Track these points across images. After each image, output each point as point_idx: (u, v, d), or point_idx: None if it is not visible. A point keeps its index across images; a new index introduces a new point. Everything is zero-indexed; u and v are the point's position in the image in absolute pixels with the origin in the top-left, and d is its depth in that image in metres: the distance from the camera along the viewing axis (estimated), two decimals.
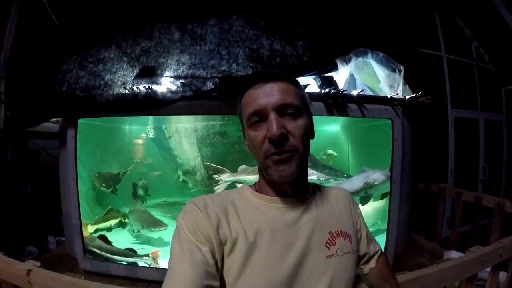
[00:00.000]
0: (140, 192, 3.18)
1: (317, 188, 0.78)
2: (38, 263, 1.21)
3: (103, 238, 2.36)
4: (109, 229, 2.82)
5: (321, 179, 2.48)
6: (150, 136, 3.48)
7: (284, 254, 0.61)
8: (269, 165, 0.63)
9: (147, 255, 2.27)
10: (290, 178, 0.62)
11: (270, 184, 0.69)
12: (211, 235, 0.58)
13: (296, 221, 0.65)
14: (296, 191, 0.69)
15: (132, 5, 2.32)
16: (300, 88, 0.71)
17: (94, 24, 2.42)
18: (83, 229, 2.47)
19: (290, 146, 0.62)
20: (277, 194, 0.68)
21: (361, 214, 0.83)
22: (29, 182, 3.19)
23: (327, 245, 0.66)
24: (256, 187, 0.73)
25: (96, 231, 2.71)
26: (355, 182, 2.40)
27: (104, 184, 2.77)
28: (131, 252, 2.31)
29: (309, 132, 0.68)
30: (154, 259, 2.23)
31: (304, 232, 0.64)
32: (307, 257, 0.63)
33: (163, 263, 2.19)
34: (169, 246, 0.60)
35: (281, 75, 0.68)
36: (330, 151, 3.08)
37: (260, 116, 0.64)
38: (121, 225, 2.92)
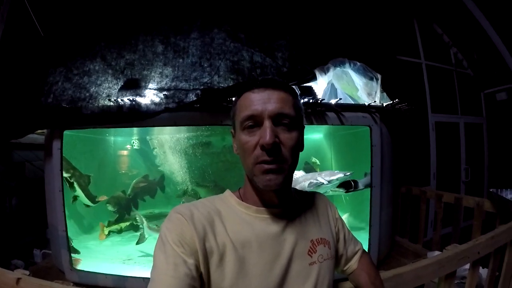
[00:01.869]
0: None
1: (298, 195, 0.81)
2: (27, 272, 1.21)
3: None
4: (120, 231, 3.04)
5: (347, 174, 2.53)
6: (135, 147, 3.49)
7: (271, 265, 0.63)
8: (256, 173, 0.63)
9: None
10: (275, 188, 0.63)
11: (256, 191, 0.69)
12: (197, 246, 0.58)
13: (281, 232, 0.67)
14: (281, 200, 0.70)
15: (117, 18, 2.36)
16: (298, 99, 0.71)
17: (80, 37, 2.45)
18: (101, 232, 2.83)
19: (281, 157, 0.62)
20: (263, 203, 0.69)
21: (340, 217, 0.85)
22: (14, 194, 3.15)
23: (309, 253, 0.69)
24: (240, 194, 0.73)
25: (108, 233, 2.96)
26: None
27: (68, 167, 2.62)
28: None
29: (300, 144, 0.69)
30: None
31: (289, 243, 0.67)
32: (292, 266, 0.66)
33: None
34: None
35: (282, 83, 0.68)
36: (314, 159, 3.13)
37: (254, 121, 0.63)
38: (133, 228, 3.04)
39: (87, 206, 2.85)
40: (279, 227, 0.68)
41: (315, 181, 2.48)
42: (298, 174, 2.60)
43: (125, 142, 3.55)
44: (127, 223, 3.05)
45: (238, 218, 0.67)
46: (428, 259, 1.31)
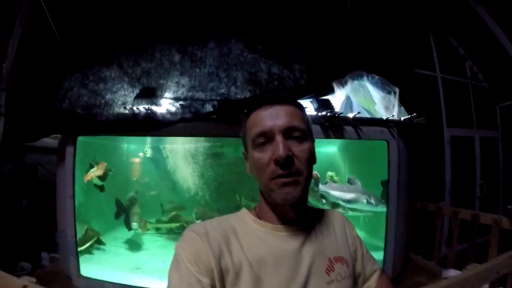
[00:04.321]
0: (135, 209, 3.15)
1: (314, 213, 0.79)
2: (34, 279, 1.20)
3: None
4: (170, 230, 3.18)
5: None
6: (147, 155, 3.49)
7: (288, 284, 0.61)
8: (273, 188, 0.63)
9: None
10: (293, 201, 0.62)
11: (272, 208, 0.68)
12: (212, 265, 0.57)
13: (299, 250, 0.66)
14: (298, 215, 0.69)
15: (134, 26, 2.38)
16: (305, 112, 0.71)
17: (97, 43, 2.46)
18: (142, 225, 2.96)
19: (296, 169, 0.62)
20: (280, 220, 0.68)
21: (357, 235, 0.83)
22: (25, 196, 3.16)
23: (327, 271, 0.67)
24: (256, 212, 0.72)
25: (157, 229, 3.18)
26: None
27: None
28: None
29: (313, 156, 0.68)
30: None
31: (306, 261, 0.65)
32: (309, 284, 0.63)
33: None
34: None
35: (288, 98, 0.69)
36: (330, 173, 3.07)
37: (266, 138, 0.64)
38: (183, 229, 3.09)
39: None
40: (296, 245, 0.66)
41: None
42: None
43: (137, 149, 3.55)
44: (177, 224, 3.15)
45: (254, 236, 0.66)
46: (449, 279, 1.28)
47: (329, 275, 0.67)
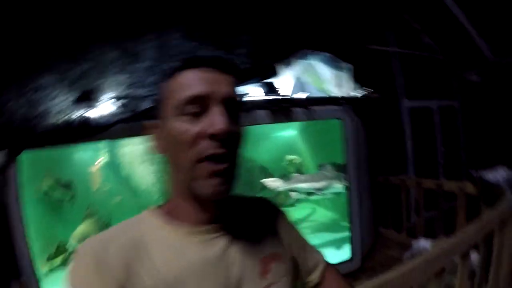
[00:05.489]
0: None
1: (236, 203, 0.63)
2: None
3: None
4: None
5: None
6: (104, 161, 3.31)
7: None
8: (197, 176, 0.48)
9: None
10: (223, 196, 0.49)
11: (189, 204, 0.53)
12: None
13: (223, 256, 0.53)
14: (221, 212, 0.55)
15: (68, 26, 2.21)
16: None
17: (32, 49, 2.28)
18: None
19: (233, 154, 0.50)
20: (198, 220, 0.54)
21: (292, 224, 0.71)
22: None
23: (262, 274, 0.56)
24: (165, 211, 0.56)
25: None
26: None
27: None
28: None
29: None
30: None
31: (235, 267, 0.53)
32: None
33: None
34: None
35: (234, 67, 0.54)
36: (290, 157, 2.96)
37: (200, 105, 0.48)
38: None
39: None
40: (220, 249, 0.53)
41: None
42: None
43: (94, 157, 3.35)
44: None
45: (165, 246, 0.51)
46: (415, 260, 1.21)
47: (266, 278, 0.56)
